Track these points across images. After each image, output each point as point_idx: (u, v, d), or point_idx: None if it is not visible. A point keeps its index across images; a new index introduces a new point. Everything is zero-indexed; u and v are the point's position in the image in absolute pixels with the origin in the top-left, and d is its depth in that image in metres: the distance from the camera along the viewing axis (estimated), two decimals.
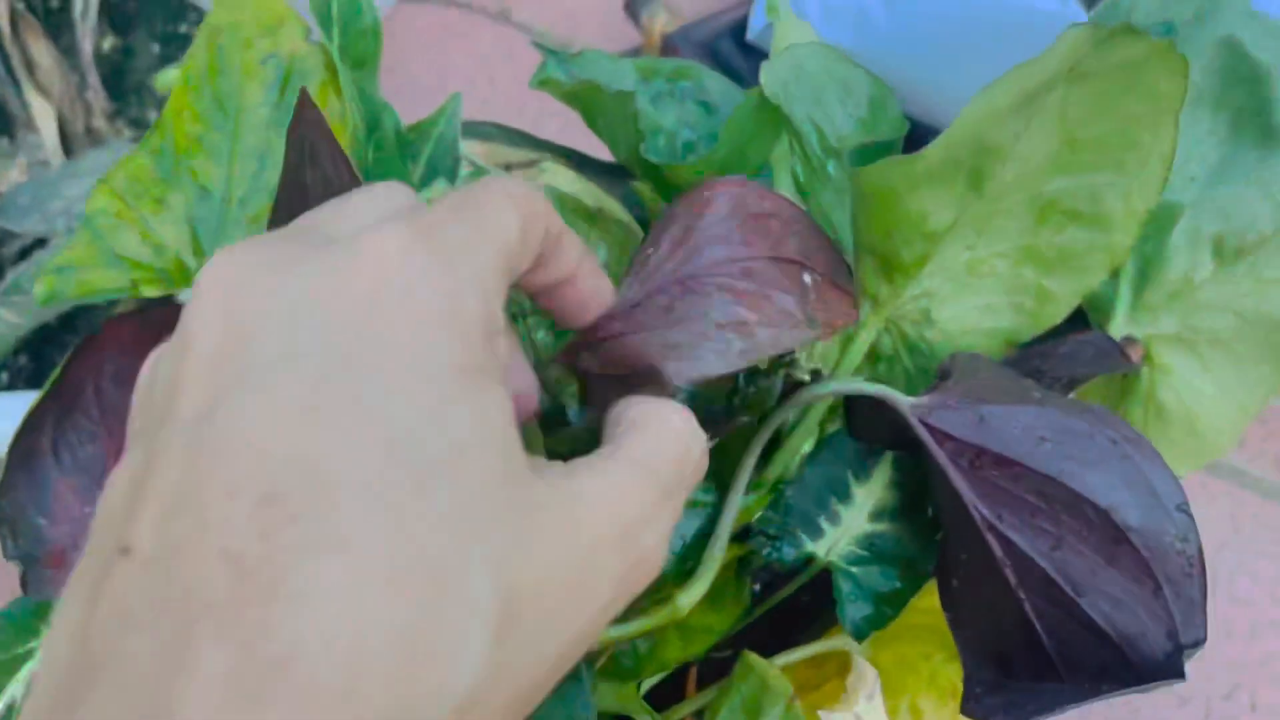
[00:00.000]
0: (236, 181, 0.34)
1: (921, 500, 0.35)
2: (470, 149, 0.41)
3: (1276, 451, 0.63)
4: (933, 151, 0.26)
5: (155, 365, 0.19)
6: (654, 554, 0.20)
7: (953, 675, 0.33)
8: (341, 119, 0.33)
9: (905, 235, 0.29)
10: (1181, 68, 0.28)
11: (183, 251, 0.34)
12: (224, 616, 0.14)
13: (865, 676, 0.58)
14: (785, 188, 0.35)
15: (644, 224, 0.38)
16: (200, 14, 0.72)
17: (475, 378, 0.17)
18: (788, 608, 0.43)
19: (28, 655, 0.37)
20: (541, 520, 0.18)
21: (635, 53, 0.77)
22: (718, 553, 0.31)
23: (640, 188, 0.33)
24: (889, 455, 0.35)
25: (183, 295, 0.36)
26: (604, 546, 0.19)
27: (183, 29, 0.63)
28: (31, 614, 0.38)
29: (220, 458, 0.15)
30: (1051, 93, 0.27)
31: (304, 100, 0.28)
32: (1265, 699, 0.56)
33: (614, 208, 0.39)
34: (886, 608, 0.34)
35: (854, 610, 0.34)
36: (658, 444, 0.21)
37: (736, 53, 0.69)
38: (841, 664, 0.40)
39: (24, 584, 0.37)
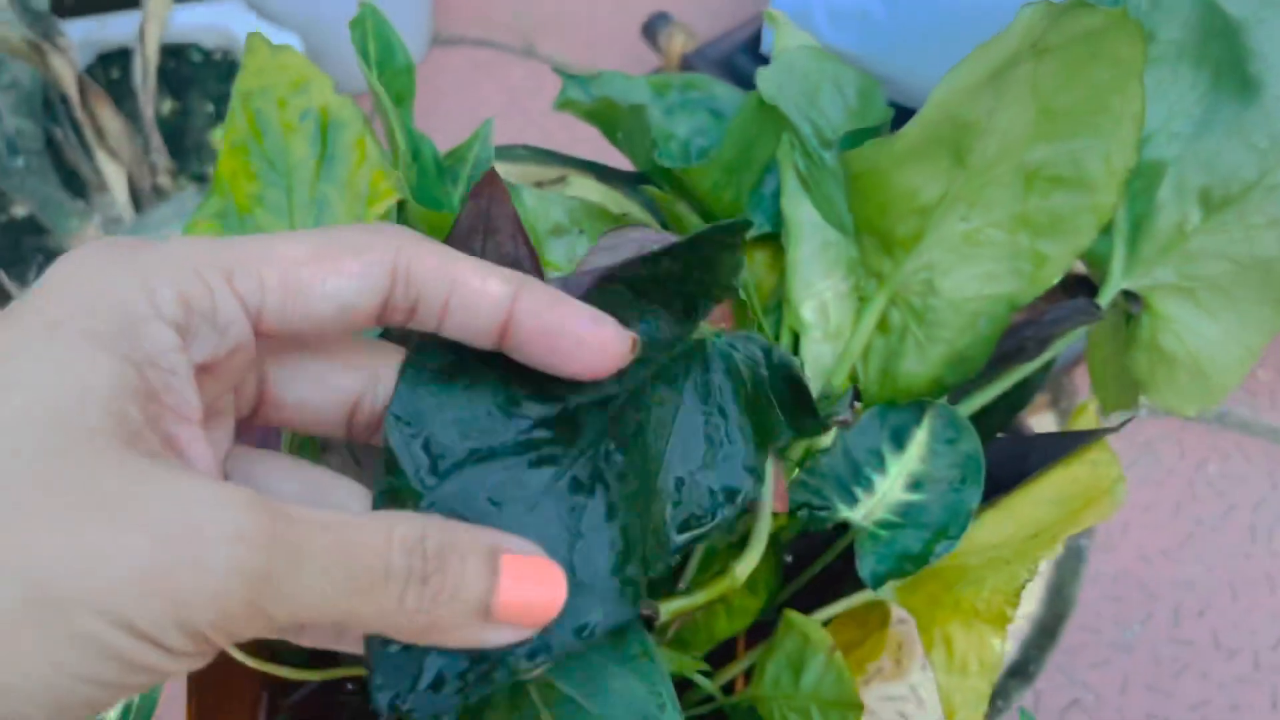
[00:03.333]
0: None
1: (960, 472, 0.37)
2: (504, 171, 0.45)
3: None
4: (911, 130, 0.29)
5: None
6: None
7: (973, 598, 0.36)
8: (382, 163, 0.36)
9: (898, 211, 0.32)
10: (1137, 33, 0.30)
11: None
12: None
13: (917, 648, 0.60)
14: (790, 181, 0.38)
15: (665, 225, 0.41)
16: None
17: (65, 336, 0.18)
18: (827, 568, 0.45)
19: None
20: (95, 513, 0.17)
21: (657, 74, 0.81)
22: (764, 524, 0.33)
23: (652, 191, 0.36)
24: (926, 426, 0.37)
25: None
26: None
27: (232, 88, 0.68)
28: None
29: None
30: (1018, 67, 0.30)
31: (491, 176, 0.31)
32: None
33: (636, 211, 0.42)
34: (908, 564, 0.36)
35: (874, 564, 0.36)
36: None
37: (752, 66, 0.73)
38: (882, 617, 0.42)
39: None
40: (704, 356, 0.28)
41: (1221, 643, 0.58)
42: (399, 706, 0.21)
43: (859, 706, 0.36)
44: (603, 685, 0.25)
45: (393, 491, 0.22)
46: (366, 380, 0.24)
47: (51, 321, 0.18)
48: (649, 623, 0.26)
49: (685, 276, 0.28)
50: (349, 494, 0.23)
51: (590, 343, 0.22)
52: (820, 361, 0.38)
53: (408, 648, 0.21)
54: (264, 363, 0.23)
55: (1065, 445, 0.38)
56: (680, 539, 0.26)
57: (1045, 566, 0.61)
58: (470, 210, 0.33)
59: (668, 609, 0.29)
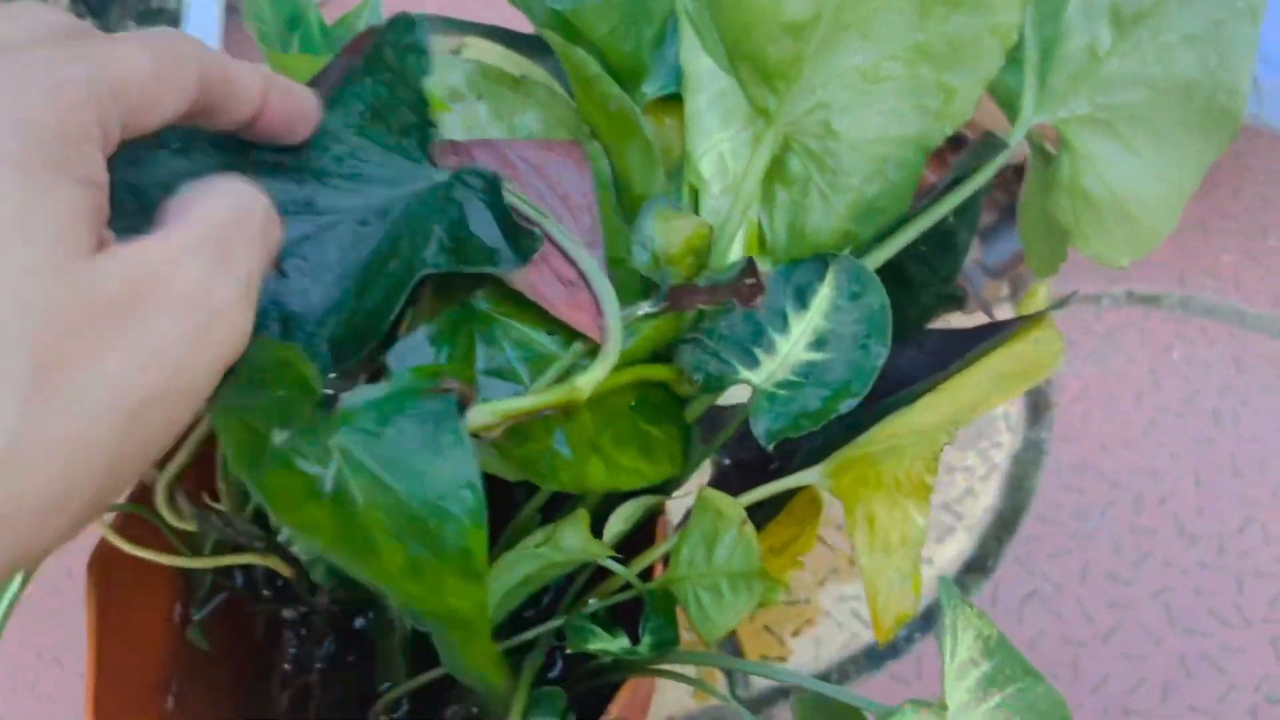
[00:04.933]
0: None
1: (865, 327, 0.35)
2: None
3: (1275, 291, 0.62)
4: None
5: None
6: (230, 310, 0.22)
7: (895, 470, 0.34)
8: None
9: (765, 29, 0.29)
10: None
11: None
12: None
13: None
14: (686, 29, 0.35)
15: (569, 91, 0.39)
16: None
17: (34, 170, 0.19)
18: (758, 469, 0.43)
19: None
20: (95, 293, 0.19)
21: None
22: (613, 341, 0.31)
23: (549, 35, 0.34)
24: (830, 280, 0.35)
25: None
26: (165, 309, 0.20)
27: (154, 4, 0.66)
28: None
29: None
30: None
31: (371, 31, 0.32)
32: (1278, 530, 0.55)
33: (539, 74, 0.40)
34: (805, 421, 0.34)
35: (769, 423, 0.34)
36: (206, 207, 0.23)
37: None
38: (815, 509, 0.40)
39: None
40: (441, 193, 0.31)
41: (1185, 529, 0.56)
42: None
43: (765, 574, 0.34)
44: (410, 466, 0.25)
45: None
46: None
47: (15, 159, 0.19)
48: (461, 405, 0.26)
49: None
50: None
51: (314, 117, 0.29)
52: (718, 217, 0.36)
53: None
54: None
55: (1009, 329, 0.36)
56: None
57: (1004, 460, 0.59)
58: (345, 63, 0.32)
59: (494, 410, 0.28)
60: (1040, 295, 0.46)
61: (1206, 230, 0.64)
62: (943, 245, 0.38)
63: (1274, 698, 0.52)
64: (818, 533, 0.41)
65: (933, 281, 0.39)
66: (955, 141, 0.61)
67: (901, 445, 0.36)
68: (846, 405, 0.34)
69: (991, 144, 0.33)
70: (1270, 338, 0.60)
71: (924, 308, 0.39)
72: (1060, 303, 0.37)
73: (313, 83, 0.31)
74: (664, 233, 0.35)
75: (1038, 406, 0.61)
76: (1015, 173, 0.65)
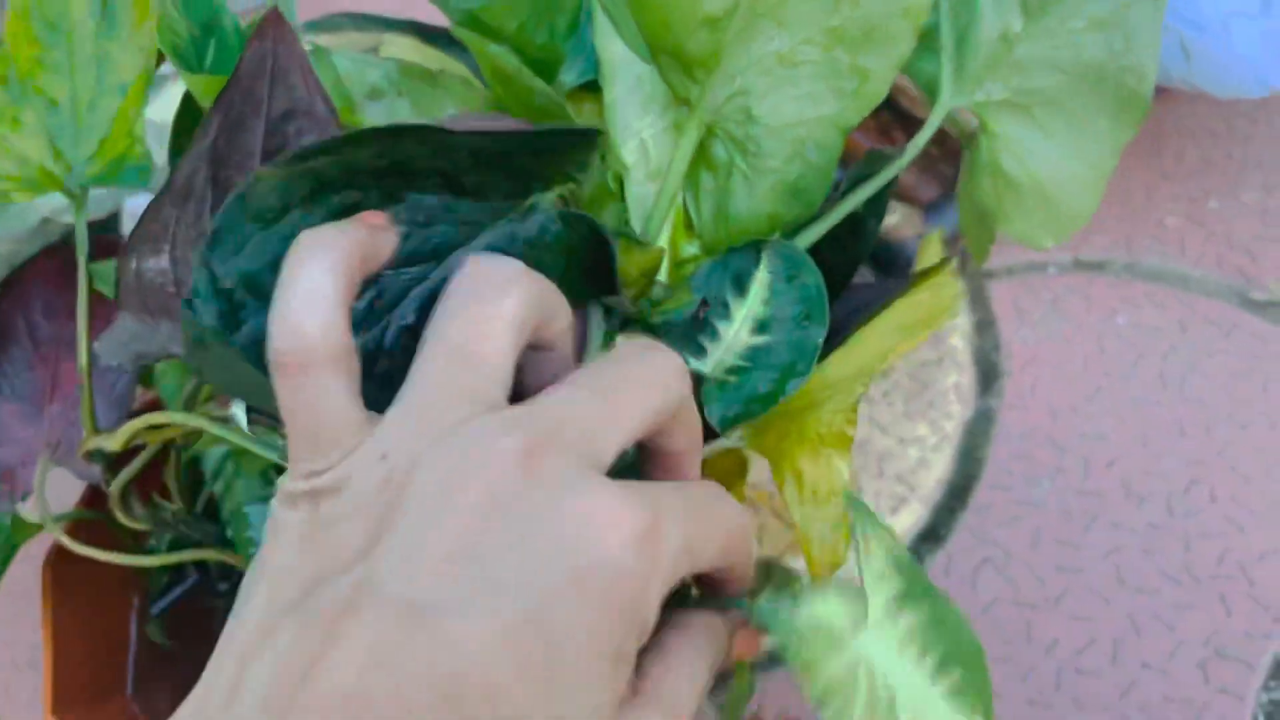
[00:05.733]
0: (81, 90, 0.36)
1: (803, 308, 0.36)
2: (324, 42, 0.43)
3: (1218, 252, 0.63)
4: None
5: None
6: None
7: (816, 426, 0.34)
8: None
9: (683, 24, 0.30)
10: None
11: (45, 160, 0.36)
12: None
13: None
14: (600, 17, 0.36)
15: (484, 82, 0.39)
16: None
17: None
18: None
19: None
20: None
21: None
22: None
23: (462, 34, 0.34)
24: (765, 265, 0.36)
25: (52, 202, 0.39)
26: None
27: None
28: None
29: None
30: None
31: (274, 16, 0.30)
32: (1224, 490, 0.56)
33: (456, 68, 0.40)
34: (756, 405, 0.35)
35: (722, 409, 0.35)
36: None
37: None
38: (740, 467, 0.41)
39: None
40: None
41: (1132, 491, 0.57)
42: None
43: None
44: None
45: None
46: None
47: None
48: None
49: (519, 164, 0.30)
50: None
51: None
52: (644, 203, 0.36)
53: None
54: None
55: (911, 280, 0.37)
56: None
57: (955, 430, 0.60)
58: (253, 53, 0.31)
59: None
60: (935, 244, 0.47)
61: (1150, 194, 0.65)
62: (853, 230, 0.38)
63: (1223, 651, 0.53)
64: (745, 494, 0.42)
65: (844, 261, 0.40)
66: (905, 120, 0.61)
67: (818, 400, 0.36)
68: (794, 385, 0.35)
69: (882, 156, 0.34)
70: (1214, 300, 0.61)
71: (834, 284, 0.40)
72: (948, 258, 0.38)
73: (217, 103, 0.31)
74: (624, 264, 0.36)
75: (988, 375, 0.61)
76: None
